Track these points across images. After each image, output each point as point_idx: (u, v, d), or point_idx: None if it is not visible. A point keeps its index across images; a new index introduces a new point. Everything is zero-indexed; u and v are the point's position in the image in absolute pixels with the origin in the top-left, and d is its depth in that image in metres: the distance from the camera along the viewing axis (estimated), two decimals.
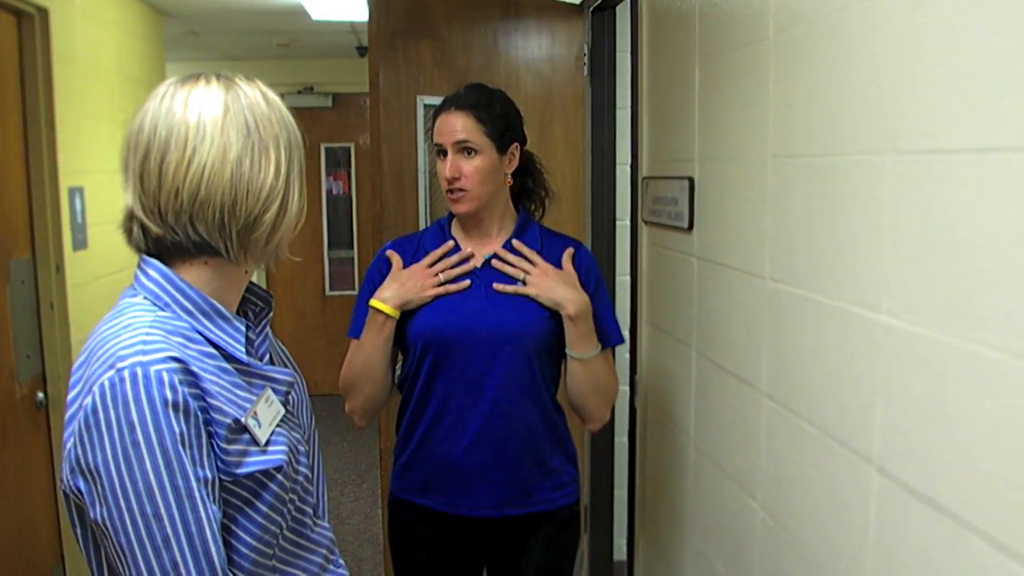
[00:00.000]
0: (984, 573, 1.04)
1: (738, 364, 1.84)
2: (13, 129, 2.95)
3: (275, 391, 1.21)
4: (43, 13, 3.04)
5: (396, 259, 1.99)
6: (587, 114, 3.09)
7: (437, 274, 1.95)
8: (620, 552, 3.19)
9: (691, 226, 2.09)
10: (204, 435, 1.06)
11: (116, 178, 1.17)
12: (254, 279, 1.29)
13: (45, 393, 3.07)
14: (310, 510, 1.27)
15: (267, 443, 1.14)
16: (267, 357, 1.28)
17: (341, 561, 1.33)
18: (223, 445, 1.08)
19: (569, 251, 2.00)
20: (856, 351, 1.33)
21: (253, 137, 1.12)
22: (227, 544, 1.10)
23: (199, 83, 1.14)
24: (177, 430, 1.03)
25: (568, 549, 2.09)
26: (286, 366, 1.33)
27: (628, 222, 2.77)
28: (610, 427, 3.25)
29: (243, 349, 1.17)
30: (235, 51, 6.33)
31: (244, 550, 1.12)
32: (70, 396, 1.07)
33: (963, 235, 1.07)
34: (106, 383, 1.02)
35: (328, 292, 7.01)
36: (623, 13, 2.96)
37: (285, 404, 1.23)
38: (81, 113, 3.34)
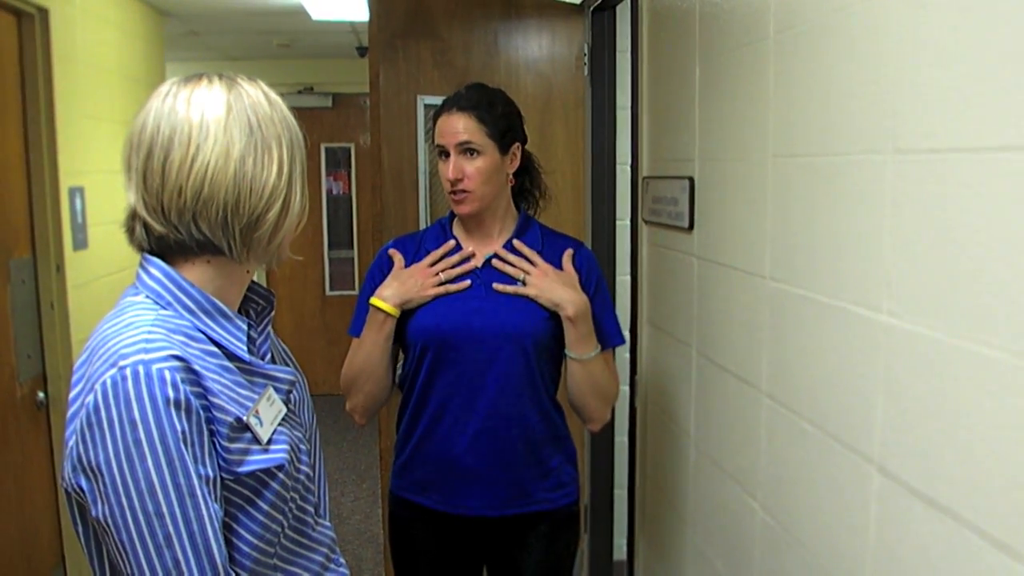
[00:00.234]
0: (984, 572, 1.04)
1: (738, 364, 1.84)
2: (13, 129, 2.95)
3: (277, 390, 1.21)
4: (43, 13, 3.04)
5: (398, 258, 2.00)
6: (587, 114, 3.09)
7: (438, 273, 1.95)
8: (620, 552, 3.19)
9: (691, 226, 2.09)
10: (206, 433, 1.07)
11: (117, 178, 1.17)
12: (255, 278, 1.29)
13: (46, 393, 3.07)
14: (311, 509, 1.27)
15: (269, 442, 1.14)
16: (269, 356, 1.28)
17: (342, 560, 1.33)
18: (225, 443, 1.08)
19: (569, 252, 2.00)
20: (857, 351, 1.33)
21: (256, 136, 1.13)
22: (228, 542, 1.10)
23: (202, 83, 1.14)
24: (179, 428, 1.03)
25: (568, 549, 2.09)
26: (287, 365, 1.33)
27: (628, 222, 2.77)
28: (610, 427, 3.25)
29: (245, 348, 1.17)
30: (235, 51, 6.33)
31: (246, 548, 1.12)
32: (72, 394, 1.07)
33: (963, 234, 1.07)
34: (108, 381, 1.02)
35: (328, 292, 7.01)
36: (623, 13, 2.96)
37: (287, 403, 1.23)
38: (81, 113, 3.35)
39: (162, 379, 1.03)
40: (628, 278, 2.74)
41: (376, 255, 2.07)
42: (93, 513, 1.04)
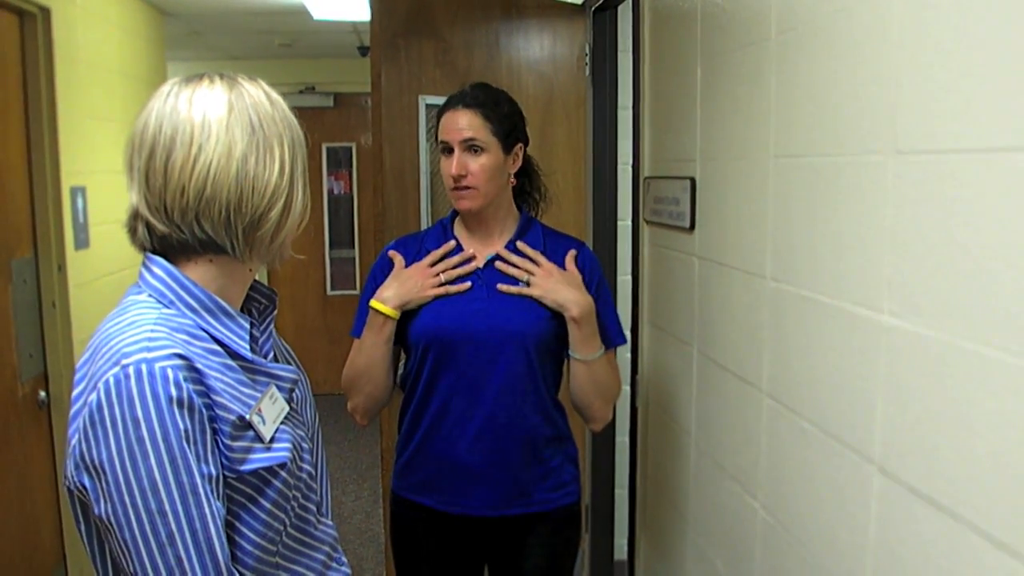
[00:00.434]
0: (985, 572, 1.04)
1: (739, 364, 1.84)
2: (15, 129, 2.96)
3: (279, 388, 1.22)
4: (45, 12, 3.04)
5: (399, 259, 2.00)
6: (589, 114, 3.09)
7: (438, 274, 1.95)
8: (621, 552, 3.19)
9: (692, 226, 2.09)
10: (208, 432, 1.07)
11: (118, 178, 1.18)
12: (257, 277, 1.29)
13: (47, 392, 3.07)
14: (314, 507, 1.27)
15: (271, 440, 1.15)
16: (271, 355, 1.28)
17: (344, 559, 1.33)
18: (227, 442, 1.09)
19: (572, 252, 2.00)
20: (857, 351, 1.34)
21: (258, 135, 1.13)
22: (231, 540, 1.10)
23: (203, 83, 1.14)
24: (182, 426, 1.03)
25: (569, 549, 2.09)
26: (290, 364, 1.34)
27: (630, 222, 2.77)
28: (611, 426, 3.25)
29: (247, 346, 1.17)
30: (237, 51, 6.34)
31: (248, 547, 1.12)
32: (75, 393, 1.08)
33: (964, 235, 1.07)
34: (111, 379, 1.03)
35: (329, 292, 7.01)
36: (625, 13, 2.96)
37: (289, 401, 1.23)
38: (83, 112, 3.35)
39: (165, 377, 1.03)
40: (629, 278, 2.74)
41: (378, 256, 2.07)
42: (96, 511, 1.05)
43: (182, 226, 1.12)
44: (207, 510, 1.04)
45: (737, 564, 1.88)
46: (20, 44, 2.99)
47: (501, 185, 1.97)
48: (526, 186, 2.10)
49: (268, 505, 1.14)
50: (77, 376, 1.09)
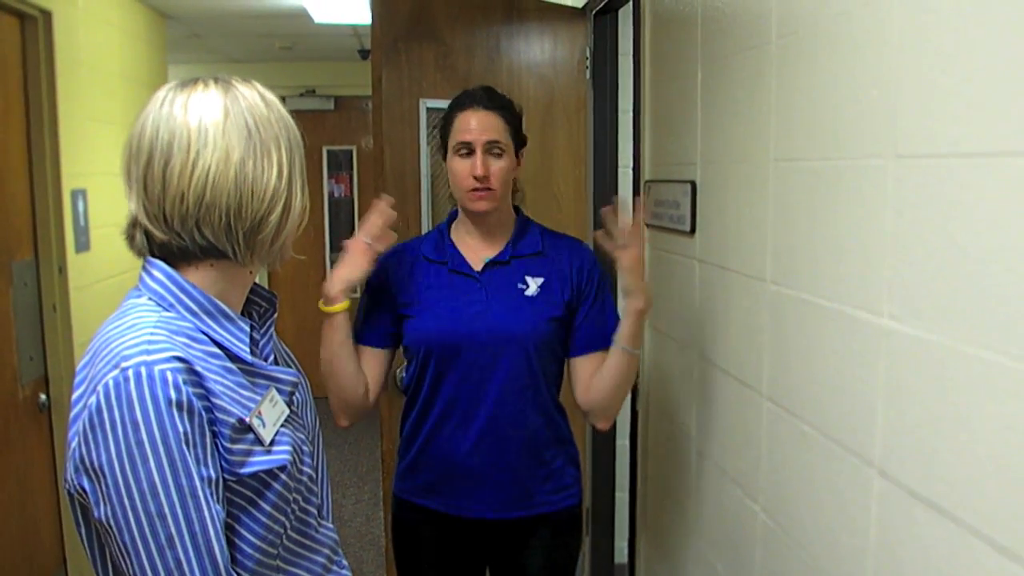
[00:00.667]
0: (985, 575, 1.04)
1: (740, 367, 1.84)
2: (16, 131, 2.96)
3: (280, 391, 1.22)
4: (46, 16, 3.05)
5: (381, 207, 1.93)
6: (589, 117, 3.09)
7: (366, 243, 1.90)
8: (621, 555, 3.19)
9: (693, 230, 2.09)
10: (208, 435, 1.07)
11: (119, 180, 1.17)
12: (257, 280, 1.29)
13: (47, 395, 3.07)
14: (314, 510, 1.27)
15: (271, 443, 1.15)
16: (272, 357, 1.28)
17: (345, 562, 1.33)
18: (227, 445, 1.09)
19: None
20: (857, 354, 1.34)
21: (254, 139, 1.13)
22: (231, 543, 1.10)
23: (198, 87, 1.14)
24: (181, 429, 1.03)
25: (570, 551, 2.09)
26: (290, 367, 1.34)
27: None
28: (612, 429, 3.23)
29: (247, 349, 1.17)
30: (237, 54, 6.34)
31: (248, 549, 1.12)
32: (75, 396, 1.08)
33: (964, 239, 1.07)
34: (111, 382, 1.03)
35: None
36: (625, 16, 2.96)
37: (289, 404, 1.23)
38: (84, 115, 3.35)
39: (164, 380, 1.03)
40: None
41: (377, 263, 2.05)
42: (95, 514, 1.05)
43: (182, 233, 1.12)
44: (207, 513, 1.04)
45: (738, 567, 1.88)
46: (21, 47, 3.00)
47: (510, 188, 1.99)
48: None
49: (268, 508, 1.14)
50: (77, 379, 1.09)
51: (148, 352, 1.04)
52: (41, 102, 3.04)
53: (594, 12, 3.02)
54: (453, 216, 2.06)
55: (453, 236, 2.03)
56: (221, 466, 1.09)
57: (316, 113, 6.81)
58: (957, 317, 1.09)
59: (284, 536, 1.19)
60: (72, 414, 1.07)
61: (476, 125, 1.92)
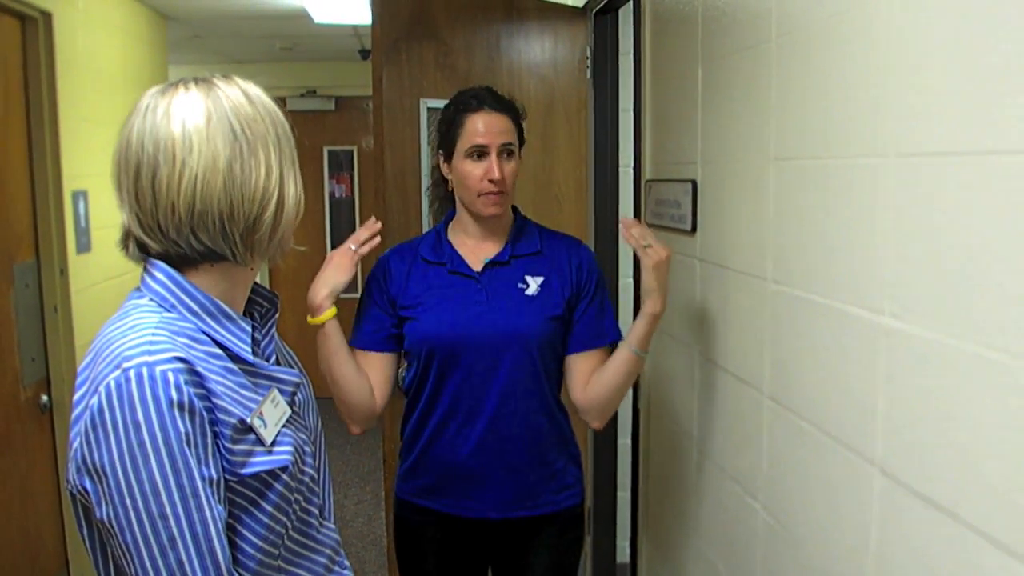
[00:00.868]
0: (985, 573, 1.04)
1: (740, 366, 1.84)
2: (17, 133, 2.96)
3: (281, 391, 1.22)
4: (47, 17, 3.05)
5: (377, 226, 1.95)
6: (590, 117, 3.09)
7: (352, 249, 1.91)
8: (623, 554, 3.19)
9: (694, 228, 2.09)
10: (209, 435, 1.07)
11: None
12: (258, 280, 1.29)
13: (49, 396, 3.08)
14: (316, 511, 1.27)
15: (273, 443, 1.15)
16: (273, 358, 1.28)
17: (347, 562, 1.33)
18: (228, 445, 1.09)
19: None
20: (857, 352, 1.34)
21: (240, 140, 1.13)
22: (232, 544, 1.10)
23: (178, 91, 1.13)
24: (182, 430, 1.03)
25: (573, 550, 2.09)
26: (292, 367, 1.34)
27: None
28: (613, 429, 3.25)
29: (249, 349, 1.17)
30: (238, 54, 6.35)
31: (249, 550, 1.12)
32: (76, 396, 1.08)
33: (964, 237, 1.07)
34: (112, 383, 1.03)
35: None
36: (625, 16, 2.96)
37: (291, 405, 1.23)
38: (85, 117, 3.35)
39: (165, 381, 1.03)
40: (631, 281, 2.74)
41: (375, 264, 2.05)
42: (97, 515, 1.05)
43: (179, 241, 1.12)
44: (208, 513, 1.04)
45: (739, 566, 1.88)
46: (22, 48, 3.00)
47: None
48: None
49: (270, 508, 1.14)
50: (79, 380, 1.09)
51: (150, 353, 1.05)
52: (42, 103, 3.04)
53: (594, 11, 3.02)
54: (449, 217, 2.05)
55: (451, 237, 2.02)
56: (222, 466, 1.09)
57: (317, 113, 6.81)
58: (957, 315, 1.09)
59: (286, 536, 1.19)
60: (74, 415, 1.07)
61: (490, 127, 1.90)
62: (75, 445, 1.05)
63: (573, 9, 3.11)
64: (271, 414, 1.16)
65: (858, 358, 1.34)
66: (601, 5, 2.95)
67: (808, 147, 1.50)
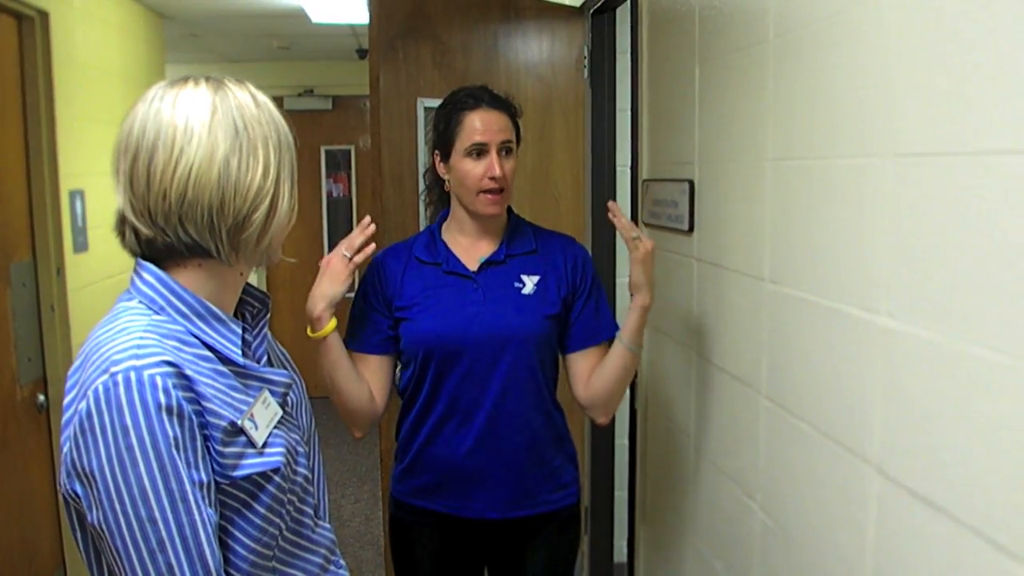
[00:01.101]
0: (983, 574, 1.04)
1: (738, 366, 1.84)
2: (13, 132, 2.96)
3: (272, 392, 1.21)
4: (43, 16, 3.05)
5: (371, 227, 1.89)
6: (587, 116, 3.09)
7: (346, 256, 1.87)
8: (620, 554, 3.19)
9: (691, 228, 2.09)
10: (199, 438, 1.06)
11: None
12: (253, 281, 1.29)
13: (46, 396, 3.07)
14: (310, 511, 1.27)
15: (264, 445, 1.14)
16: (265, 359, 1.28)
17: (342, 562, 1.33)
18: (219, 448, 1.08)
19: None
20: (855, 352, 1.33)
21: (241, 138, 1.12)
22: (225, 546, 1.10)
23: (187, 85, 1.14)
24: (171, 434, 1.03)
25: (571, 549, 2.09)
26: (285, 368, 1.33)
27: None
28: (611, 428, 3.25)
29: (239, 351, 1.17)
30: (235, 53, 6.34)
31: (242, 551, 1.12)
32: (66, 400, 1.08)
33: (962, 237, 1.07)
34: (100, 387, 1.02)
35: None
36: (623, 15, 2.96)
37: (283, 405, 1.23)
38: (81, 116, 3.35)
39: (153, 385, 1.03)
40: (629, 280, 2.74)
41: (369, 265, 2.03)
42: (89, 519, 1.05)
43: (166, 229, 1.12)
44: (197, 517, 1.04)
45: (736, 565, 1.88)
46: (18, 47, 3.00)
47: None
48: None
49: (262, 510, 1.14)
50: (68, 383, 1.09)
51: (138, 356, 1.04)
52: (38, 102, 3.03)
53: (592, 11, 3.02)
54: (443, 217, 2.05)
55: (445, 237, 2.01)
56: (213, 469, 1.08)
57: (314, 113, 6.80)
58: (955, 315, 1.09)
59: (279, 537, 1.19)
60: (64, 419, 1.07)
61: (490, 125, 1.90)
62: (65, 449, 1.05)
63: (570, 8, 3.11)
64: (262, 416, 1.16)
65: (855, 358, 1.34)
66: (598, 5, 2.95)
67: (805, 147, 1.50)
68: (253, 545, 1.13)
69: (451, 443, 1.94)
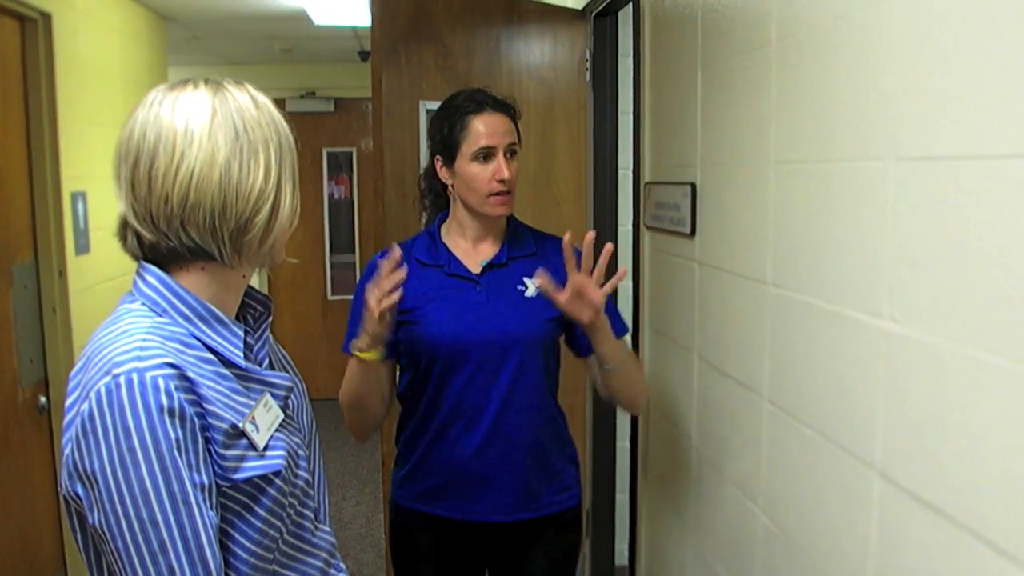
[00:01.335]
0: None
1: (740, 369, 1.84)
2: (16, 134, 2.96)
3: (274, 396, 1.21)
4: (46, 18, 3.05)
5: (395, 255, 1.77)
6: (589, 119, 3.09)
7: (379, 299, 1.76)
8: (622, 557, 3.18)
9: (693, 231, 2.09)
10: (200, 441, 1.06)
11: None
12: (255, 283, 1.29)
13: (47, 397, 3.07)
14: (311, 514, 1.27)
15: (265, 448, 1.14)
16: (266, 362, 1.27)
17: (343, 565, 1.33)
18: (220, 450, 1.08)
19: (567, 235, 1.91)
20: (858, 356, 1.33)
21: (242, 140, 1.12)
22: (226, 548, 1.10)
23: (187, 88, 1.14)
24: (173, 436, 1.03)
25: (572, 551, 2.09)
26: (286, 371, 1.33)
27: (630, 227, 2.77)
28: (612, 431, 3.25)
29: (241, 354, 1.17)
30: (237, 55, 6.34)
31: (243, 554, 1.12)
32: (68, 402, 1.08)
33: (964, 241, 1.07)
34: (102, 389, 1.02)
35: (330, 296, 7.01)
36: (625, 18, 2.96)
37: (284, 409, 1.23)
38: (84, 118, 3.35)
39: (156, 387, 1.03)
40: (630, 283, 2.74)
41: (366, 267, 2.02)
42: (90, 520, 1.05)
43: (169, 234, 1.12)
44: (199, 519, 1.04)
45: (738, 569, 1.87)
46: (21, 49, 3.00)
47: None
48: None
49: (263, 513, 1.14)
50: (70, 385, 1.09)
51: (140, 359, 1.04)
52: (41, 105, 3.04)
53: (594, 14, 3.02)
54: (441, 219, 2.04)
55: (445, 239, 2.01)
56: (214, 472, 1.08)
57: (316, 115, 6.81)
58: (958, 319, 1.09)
59: (280, 541, 1.19)
60: (65, 420, 1.07)
61: (496, 129, 1.90)
62: (67, 451, 1.05)
63: (573, 12, 3.11)
64: (263, 419, 1.16)
65: (858, 362, 1.33)
66: (601, 8, 2.95)
67: (808, 150, 1.50)
68: (253, 548, 1.13)
69: (456, 446, 1.93)
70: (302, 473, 1.23)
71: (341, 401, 1.96)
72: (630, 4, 2.74)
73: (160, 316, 1.12)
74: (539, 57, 3.01)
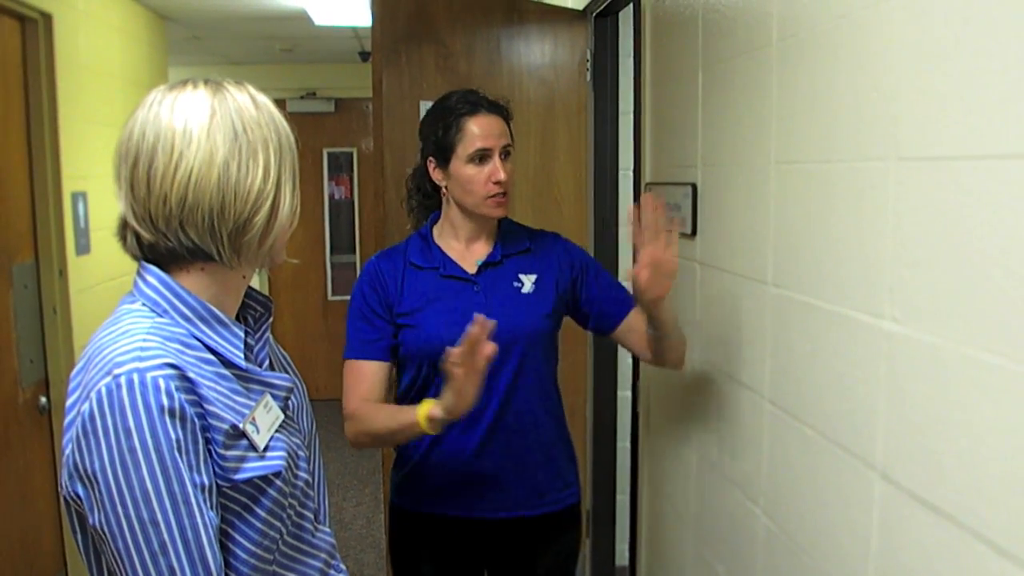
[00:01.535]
0: None
1: (741, 369, 1.84)
2: (16, 134, 2.96)
3: (274, 396, 1.21)
4: (47, 18, 3.05)
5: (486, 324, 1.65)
6: (590, 120, 3.09)
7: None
8: (622, 557, 3.18)
9: (694, 232, 2.09)
10: (201, 441, 1.06)
11: None
12: (255, 284, 1.29)
13: (48, 398, 3.07)
14: (311, 515, 1.27)
15: (265, 449, 1.14)
16: (267, 363, 1.27)
17: (343, 566, 1.33)
18: (221, 451, 1.08)
19: (644, 198, 1.86)
20: (859, 356, 1.33)
21: (241, 140, 1.12)
22: (226, 549, 1.10)
23: (186, 88, 1.13)
24: (173, 436, 1.03)
25: (573, 548, 2.10)
26: (286, 372, 1.33)
27: (630, 228, 2.77)
28: (612, 431, 3.25)
29: (241, 355, 1.17)
30: (238, 56, 6.35)
31: (243, 555, 1.12)
32: (69, 402, 1.07)
33: (965, 241, 1.07)
34: (103, 390, 1.02)
35: (330, 297, 7.01)
36: (626, 19, 2.96)
37: (284, 409, 1.23)
38: (84, 118, 3.35)
39: (156, 387, 1.03)
40: (630, 284, 2.74)
41: (362, 271, 2.01)
42: (90, 521, 1.05)
43: (168, 234, 1.11)
44: (199, 520, 1.04)
45: (738, 570, 1.87)
46: (22, 49, 3.00)
47: None
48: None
49: (263, 514, 1.14)
50: (71, 385, 1.09)
51: (140, 359, 1.04)
52: (41, 104, 3.04)
53: (595, 14, 3.02)
54: (432, 220, 2.04)
55: (438, 241, 2.00)
56: (215, 472, 1.08)
57: (316, 115, 6.81)
58: (959, 319, 1.09)
59: (280, 541, 1.19)
60: (66, 421, 1.07)
61: (491, 130, 1.90)
62: (67, 451, 1.05)
63: (573, 12, 3.11)
64: (264, 419, 1.16)
65: (859, 362, 1.33)
66: (601, 8, 2.95)
67: (808, 150, 1.50)
68: (253, 549, 1.13)
69: (457, 446, 1.93)
70: (302, 474, 1.23)
71: (362, 428, 1.86)
72: (631, 4, 2.74)
73: (160, 316, 1.12)
74: (540, 57, 3.01)
